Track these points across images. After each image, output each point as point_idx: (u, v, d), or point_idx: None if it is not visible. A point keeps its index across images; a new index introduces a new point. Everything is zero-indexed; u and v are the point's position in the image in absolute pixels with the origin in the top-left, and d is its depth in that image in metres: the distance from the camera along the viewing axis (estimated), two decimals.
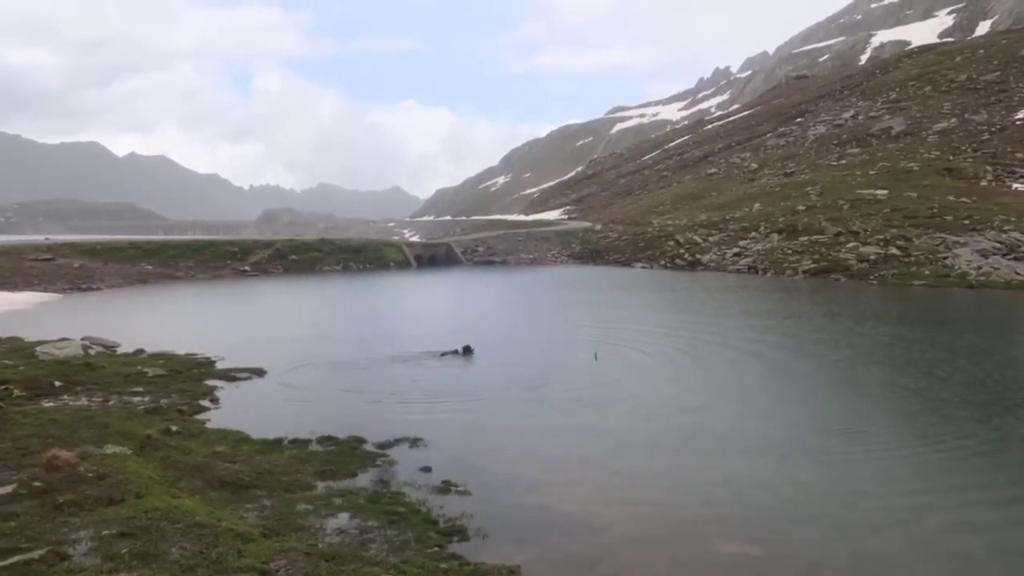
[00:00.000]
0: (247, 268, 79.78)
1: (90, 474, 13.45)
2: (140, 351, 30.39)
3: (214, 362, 28.39)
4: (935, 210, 74.90)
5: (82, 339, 31.13)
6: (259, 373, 26.66)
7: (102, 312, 47.47)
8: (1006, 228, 67.71)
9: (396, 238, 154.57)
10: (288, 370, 27.51)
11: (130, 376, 24.87)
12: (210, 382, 25.01)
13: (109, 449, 15.51)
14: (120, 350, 30.88)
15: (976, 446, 18.07)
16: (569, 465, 16.84)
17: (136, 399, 22.08)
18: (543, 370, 27.83)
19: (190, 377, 25.55)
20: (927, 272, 61.27)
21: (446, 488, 15.11)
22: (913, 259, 64.93)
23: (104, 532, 10.83)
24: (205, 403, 22.27)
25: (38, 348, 28.75)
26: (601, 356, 29.06)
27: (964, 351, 30.41)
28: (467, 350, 30.22)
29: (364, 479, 15.64)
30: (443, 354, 30.02)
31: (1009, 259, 61.82)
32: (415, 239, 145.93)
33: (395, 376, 27.01)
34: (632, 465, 16.83)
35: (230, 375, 26.09)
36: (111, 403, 21.34)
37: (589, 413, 21.31)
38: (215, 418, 20.63)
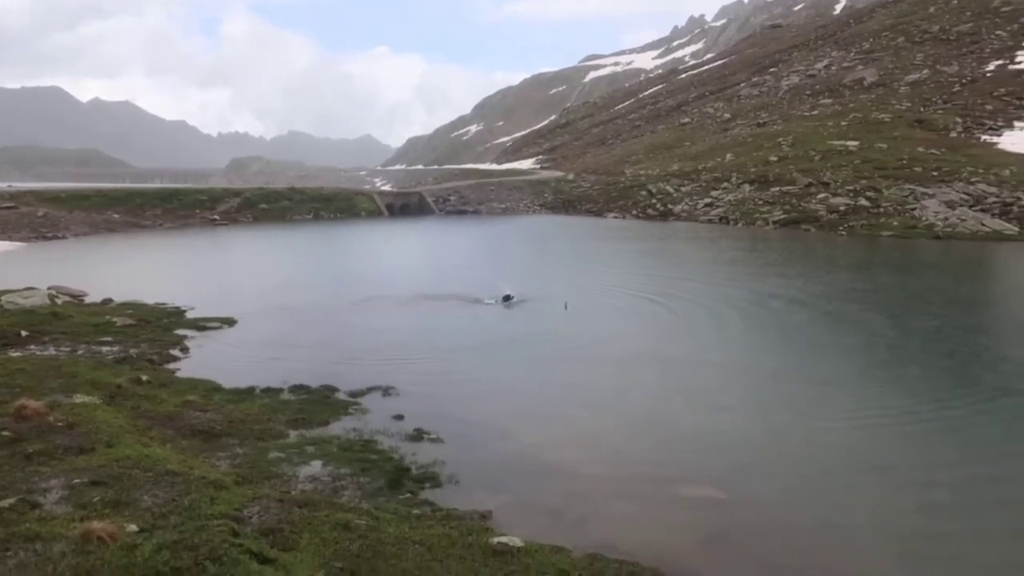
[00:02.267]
0: (216, 217, 78.78)
1: (60, 423, 13.39)
2: (108, 301, 30.07)
3: (184, 312, 28.20)
4: (905, 161, 75.41)
5: (48, 288, 30.65)
6: (230, 323, 26.56)
7: (68, 261, 46.76)
8: (973, 180, 68.38)
9: (368, 187, 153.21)
10: (259, 319, 27.43)
11: (98, 326, 24.64)
12: (180, 332, 24.87)
13: (79, 399, 15.42)
14: (88, 300, 30.56)
15: (941, 391, 18.63)
16: (542, 414, 17.06)
17: (105, 349, 21.92)
18: (515, 321, 28.01)
19: (160, 327, 25.37)
20: (895, 223, 61.91)
21: (418, 436, 15.25)
22: (882, 210, 65.52)
23: (75, 481, 10.82)
24: (175, 353, 22.16)
25: (3, 297, 28.25)
26: (572, 307, 29.23)
27: (922, 301, 30.98)
28: (507, 299, 30.03)
29: (336, 427, 15.75)
30: (489, 301, 30.23)
31: (976, 210, 62.57)
32: (387, 188, 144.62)
33: (371, 325, 27.05)
34: (604, 415, 17.09)
35: (200, 325, 25.95)
36: (79, 353, 21.16)
37: (563, 365, 21.53)
38: (185, 368, 20.57)
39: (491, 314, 28.93)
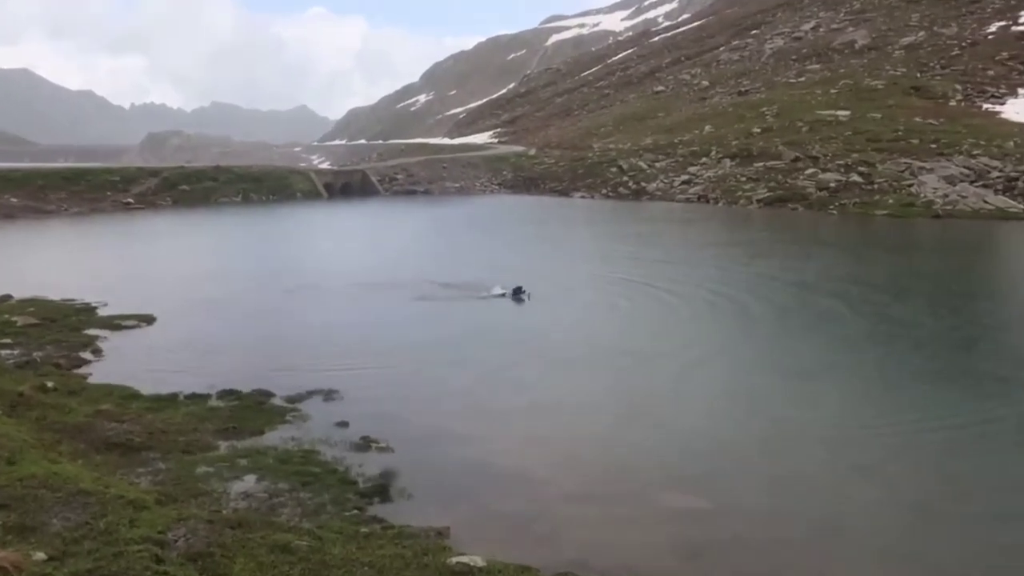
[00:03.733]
0: (130, 200, 77.45)
1: None
2: (7, 297, 29.44)
3: (95, 308, 27.79)
4: (900, 133, 76.71)
5: None
6: (148, 320, 26.24)
7: None
8: (975, 153, 69.76)
9: (303, 165, 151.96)
10: (182, 315, 27.16)
11: None
12: (91, 331, 24.51)
13: None
14: None
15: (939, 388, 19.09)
16: (502, 417, 17.17)
17: (4, 352, 21.50)
18: (471, 315, 28.11)
19: (67, 326, 24.97)
20: (890, 201, 63.03)
21: (365, 445, 15.24)
22: (876, 187, 66.65)
23: None
24: (86, 355, 21.84)
25: None
26: (535, 297, 29.38)
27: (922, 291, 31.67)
28: (517, 292, 29.76)
29: (272, 437, 15.67)
30: (495, 294, 29.99)
31: (978, 186, 63.85)
32: (325, 166, 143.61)
33: (310, 321, 26.98)
34: (571, 416, 17.26)
35: (114, 323, 25.59)
36: None
37: (526, 362, 21.69)
38: (98, 372, 20.29)
39: (443, 307, 29.02)
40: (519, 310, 28.04)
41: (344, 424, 16.36)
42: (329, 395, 18.39)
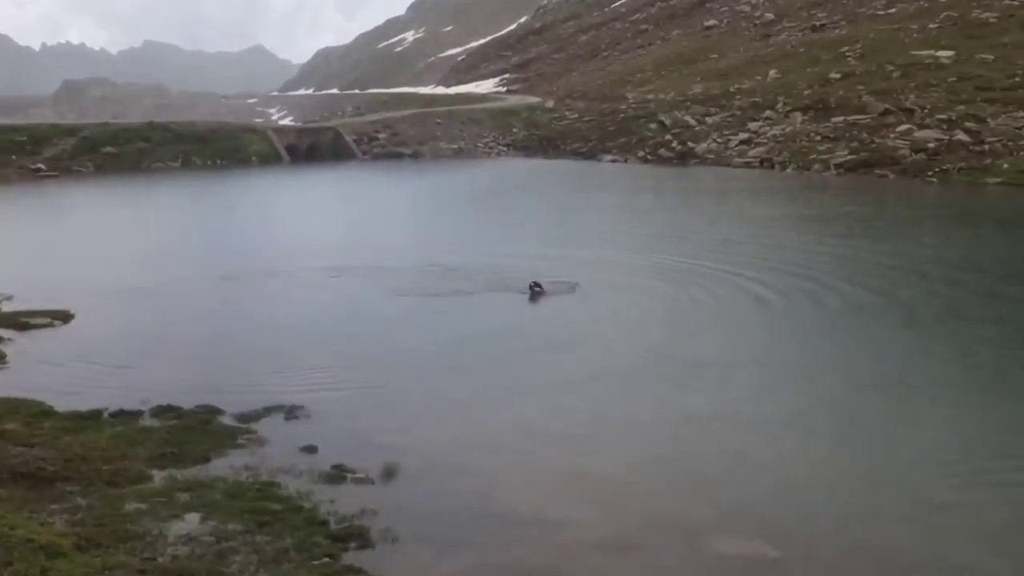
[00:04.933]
0: (41, 166, 77.72)
1: None
2: None
3: None
4: (1018, 79, 76.18)
5: None
6: (63, 317, 26.31)
7: None
8: None
9: (260, 121, 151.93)
10: (106, 311, 27.25)
11: None
12: None
13: None
14: None
15: None
16: (508, 439, 17.09)
17: None
18: (469, 313, 28.12)
19: None
20: (1006, 166, 62.51)
21: (338, 475, 15.21)
22: (987, 148, 66.13)
23: None
24: None
25: None
26: (549, 292, 29.18)
27: None
28: (534, 288, 29.41)
29: (221, 465, 15.65)
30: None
31: None
32: (287, 122, 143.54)
33: (266, 318, 27.04)
34: (594, 438, 17.15)
35: (20, 321, 25.62)
36: None
37: (550, 373, 21.56)
38: (1, 383, 20.30)
39: (435, 303, 28.88)
40: (552, 309, 27.88)
41: (311, 449, 16.33)
42: (292, 412, 18.37)
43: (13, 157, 78.37)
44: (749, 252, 35.91)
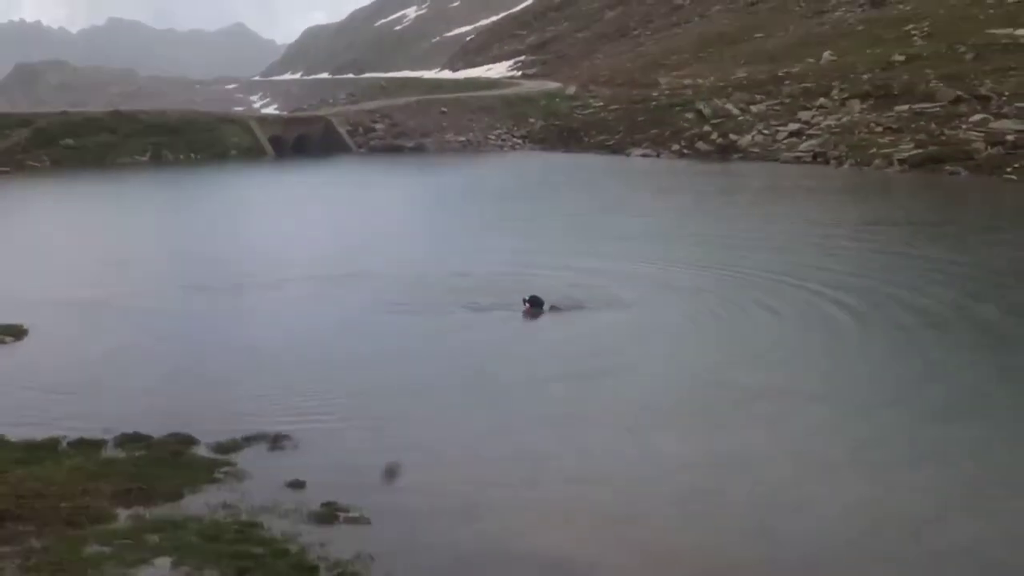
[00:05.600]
0: None
1: None
2: None
3: None
4: None
5: None
6: (15, 333, 26.32)
7: None
8: None
9: (240, 110, 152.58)
10: (64, 328, 27.27)
11: None
12: None
13: None
14: None
15: None
16: (525, 477, 16.90)
17: None
18: (478, 331, 27.95)
19: None
20: None
21: (330, 514, 15.07)
22: None
23: None
24: None
25: None
26: (563, 309, 28.98)
27: None
28: (535, 303, 29.03)
29: (195, 503, 15.51)
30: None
31: None
32: (272, 111, 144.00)
33: (245, 332, 27.10)
34: (626, 478, 16.92)
35: None
36: None
37: (561, 400, 21.41)
38: None
39: (442, 320, 28.76)
40: (581, 328, 27.56)
41: (298, 485, 16.19)
42: (276, 442, 18.26)
43: None
44: (808, 261, 35.68)
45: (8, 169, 76.90)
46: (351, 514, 15.10)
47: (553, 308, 28.87)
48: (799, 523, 15.13)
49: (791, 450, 18.22)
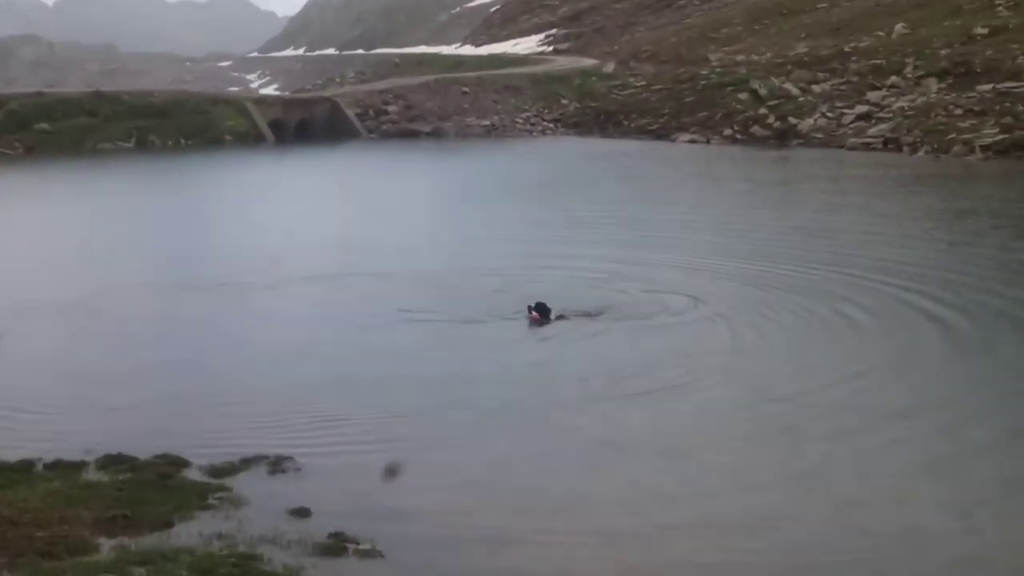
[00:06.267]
0: None
1: None
2: None
3: None
4: None
5: None
6: None
7: None
8: None
9: (236, 90, 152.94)
10: (38, 332, 27.44)
11: None
12: None
13: None
14: None
15: None
16: (558, 508, 16.85)
17: None
18: (516, 342, 27.89)
19: None
20: None
21: (338, 546, 15.09)
22: None
23: None
24: None
25: None
26: (570, 318, 28.66)
27: None
28: (542, 311, 28.66)
29: (186, 532, 15.53)
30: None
31: None
32: (272, 91, 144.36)
33: (240, 337, 27.34)
34: (674, 495, 17.00)
35: None
36: None
37: (605, 423, 21.25)
38: None
39: (467, 330, 28.58)
40: (635, 340, 27.05)
41: (303, 512, 16.22)
42: (277, 465, 18.24)
43: None
44: (886, 257, 35.62)
45: None
46: (361, 546, 15.07)
47: (560, 317, 28.53)
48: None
49: (904, 491, 17.49)
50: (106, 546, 14.95)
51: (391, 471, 17.77)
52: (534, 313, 28.40)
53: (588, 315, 28.97)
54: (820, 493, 17.22)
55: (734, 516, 16.20)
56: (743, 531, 15.84)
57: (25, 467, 18.01)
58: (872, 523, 15.91)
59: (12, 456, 18.32)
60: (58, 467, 18.06)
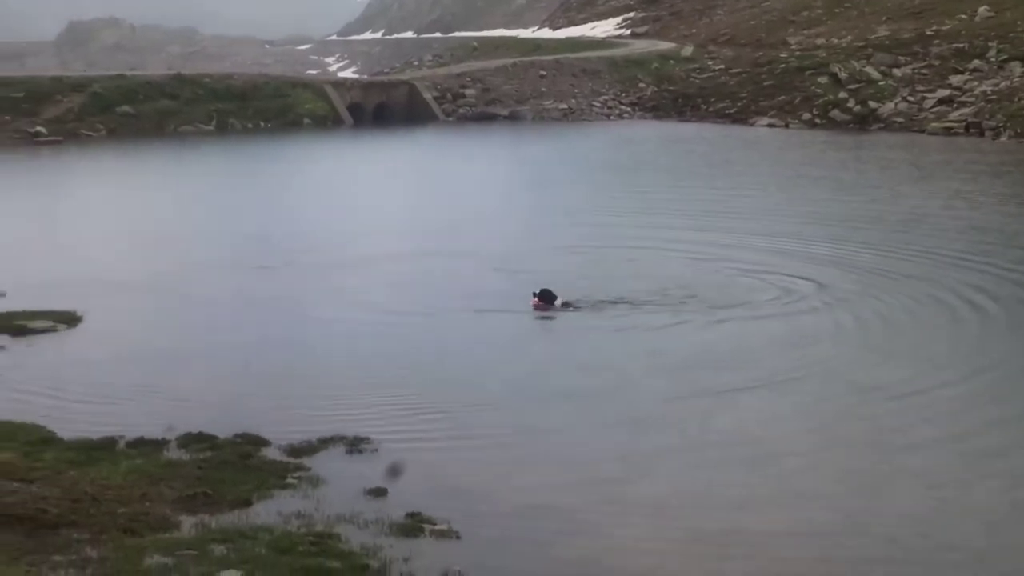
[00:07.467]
0: (41, 129, 78.80)
1: None
2: None
3: None
4: None
5: None
6: (69, 320, 26.74)
7: None
8: None
9: (315, 73, 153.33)
10: (120, 314, 27.66)
11: None
12: None
13: None
14: None
15: None
16: (648, 491, 16.79)
17: None
18: (600, 331, 27.49)
19: None
20: None
21: (414, 525, 15.15)
22: None
23: None
24: None
25: None
26: (576, 307, 28.38)
27: None
28: (546, 297, 28.41)
29: (265, 510, 15.66)
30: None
31: None
32: (350, 75, 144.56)
33: (321, 318, 27.41)
34: (781, 491, 16.80)
35: (16, 325, 26.12)
36: None
37: (685, 404, 21.24)
38: None
39: (556, 314, 28.29)
40: (736, 323, 26.79)
41: (380, 492, 16.31)
42: (355, 445, 18.34)
43: (7, 118, 79.13)
44: (987, 242, 35.43)
45: (60, 138, 77.33)
46: (438, 527, 15.11)
47: (565, 305, 28.12)
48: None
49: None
50: (187, 523, 15.11)
51: (464, 455, 17.73)
52: (535, 299, 28.04)
53: (601, 304, 28.63)
54: (919, 501, 16.62)
55: (834, 522, 15.79)
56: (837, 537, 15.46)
57: (108, 444, 18.20)
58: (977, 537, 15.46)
59: (95, 434, 18.51)
60: (140, 445, 18.25)
